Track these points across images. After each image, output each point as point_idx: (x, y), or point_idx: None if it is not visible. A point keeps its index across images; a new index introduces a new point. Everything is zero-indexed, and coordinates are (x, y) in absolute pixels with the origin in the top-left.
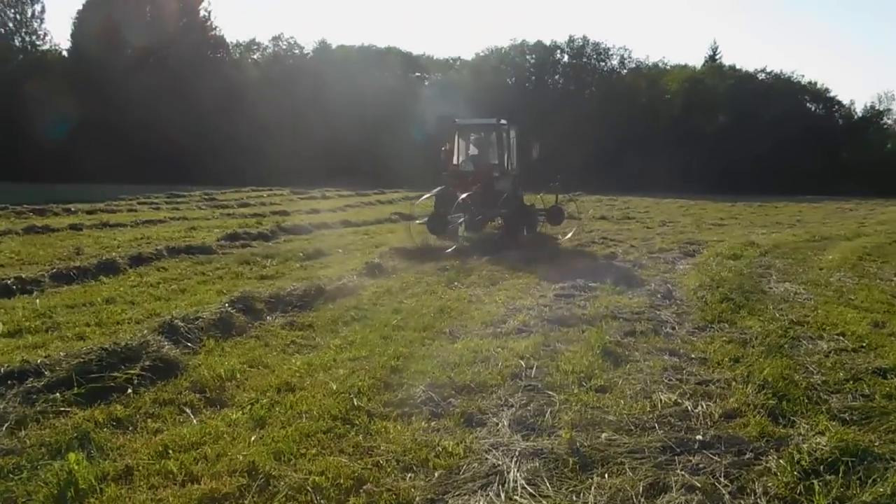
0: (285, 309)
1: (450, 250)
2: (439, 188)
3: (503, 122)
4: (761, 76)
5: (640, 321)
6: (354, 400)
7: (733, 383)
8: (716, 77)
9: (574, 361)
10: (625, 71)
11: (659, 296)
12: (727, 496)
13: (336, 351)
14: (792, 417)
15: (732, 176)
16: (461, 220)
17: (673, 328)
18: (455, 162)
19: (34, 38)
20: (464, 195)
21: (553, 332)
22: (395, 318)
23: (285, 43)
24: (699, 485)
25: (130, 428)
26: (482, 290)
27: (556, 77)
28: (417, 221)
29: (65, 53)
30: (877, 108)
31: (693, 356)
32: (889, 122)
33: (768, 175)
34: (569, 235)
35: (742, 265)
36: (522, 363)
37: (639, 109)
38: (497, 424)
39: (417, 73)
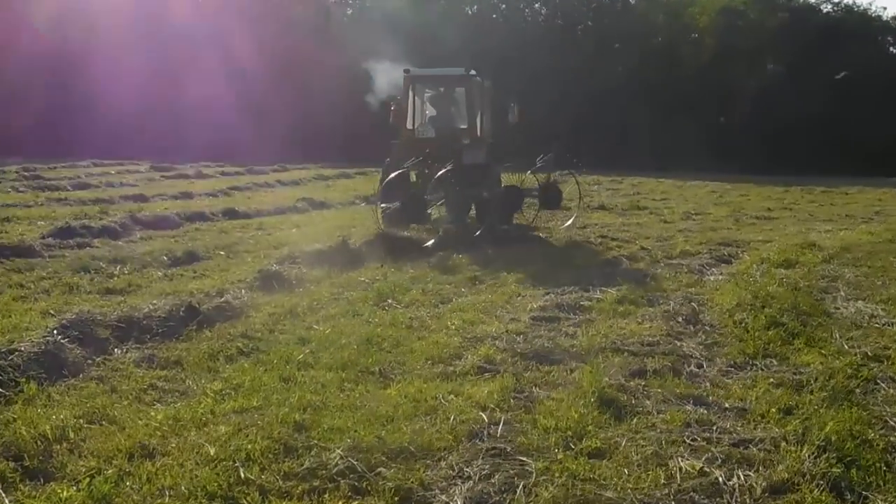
0: (141, 338)
1: (429, 244)
2: (414, 160)
3: (473, 73)
4: (826, 8)
5: (653, 356)
6: (241, 470)
7: (783, 444)
8: (762, 9)
9: (558, 414)
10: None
11: (680, 319)
12: None
13: (215, 399)
14: (863, 492)
15: (785, 148)
16: (440, 202)
17: (699, 366)
18: (409, 126)
19: None
20: (443, 170)
21: (529, 371)
22: (302, 352)
23: None
24: None
25: None
26: (428, 310)
27: (537, 6)
28: (383, 205)
29: None
30: None
31: (727, 406)
32: None
33: (835, 148)
34: (567, 224)
35: (798, 276)
36: (484, 416)
37: (654, 53)
38: None
39: None
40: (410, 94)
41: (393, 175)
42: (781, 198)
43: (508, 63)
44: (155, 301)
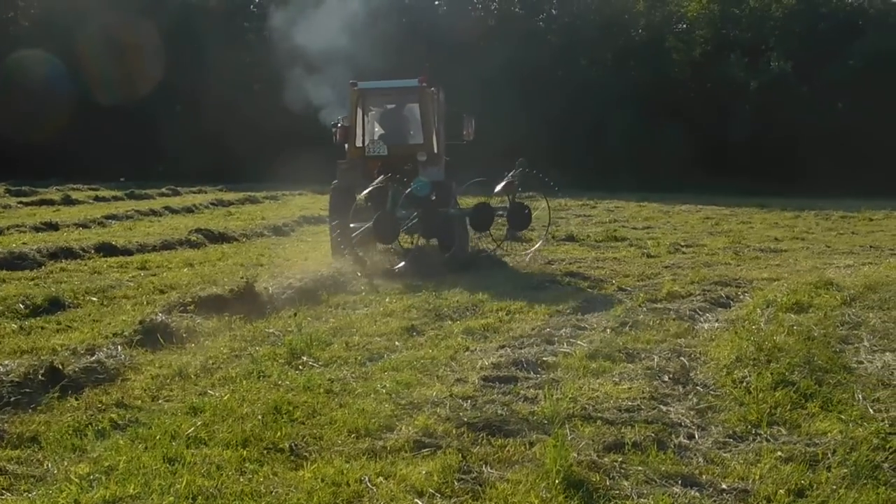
0: None
1: (400, 266)
2: (387, 176)
3: (425, 83)
4: None
5: (633, 425)
6: None
7: None
8: None
9: (514, 500)
10: None
11: (666, 378)
12: None
13: (80, 487)
14: None
15: (795, 164)
16: (412, 219)
17: (690, 436)
18: (359, 144)
19: None
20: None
21: (478, 445)
22: (192, 425)
23: None
24: None
25: None
26: (352, 369)
27: None
28: (353, 224)
29: None
30: None
31: (724, 487)
32: None
33: (856, 163)
34: (535, 248)
35: (812, 322)
36: None
37: (633, 49)
38: None
39: None
40: (357, 109)
41: (364, 193)
42: (791, 225)
43: (454, 63)
44: (7, 361)
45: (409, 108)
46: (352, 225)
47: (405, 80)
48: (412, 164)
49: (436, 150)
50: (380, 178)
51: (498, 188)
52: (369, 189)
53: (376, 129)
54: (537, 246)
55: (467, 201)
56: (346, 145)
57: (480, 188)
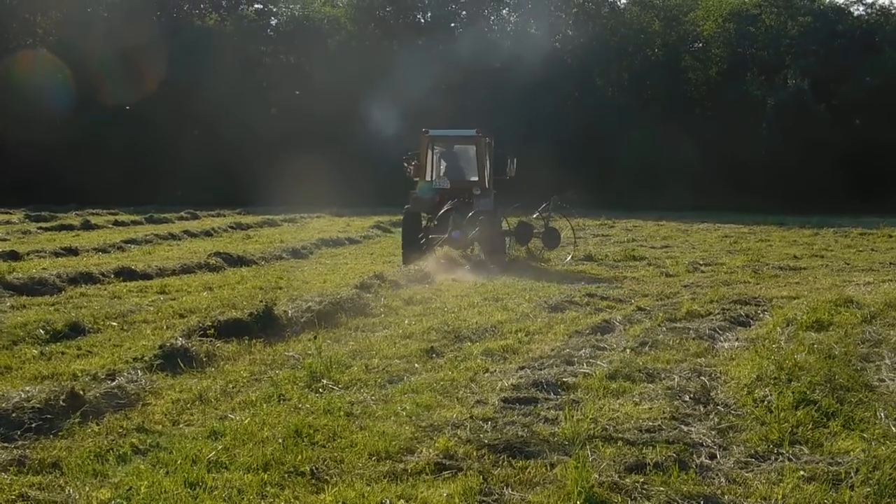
0: (10, 435)
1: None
2: (454, 202)
3: (480, 133)
4: (858, 11)
5: (655, 445)
6: None
7: None
8: (779, 12)
9: None
10: (623, 1)
11: (687, 398)
12: None
13: None
14: None
15: (813, 181)
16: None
17: (712, 456)
18: (428, 178)
19: None
20: (472, 212)
21: (499, 467)
22: (213, 449)
23: None
24: None
25: None
26: (372, 392)
27: (504, 12)
28: (432, 236)
29: None
30: None
31: None
32: None
33: (875, 180)
34: (568, 259)
35: (832, 341)
36: None
37: (650, 68)
38: None
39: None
40: (429, 151)
41: (442, 211)
42: (810, 243)
43: (470, 84)
44: (28, 387)
45: (465, 150)
46: (433, 236)
47: (465, 130)
48: (469, 196)
49: (487, 186)
50: (448, 204)
51: (533, 216)
52: (440, 213)
53: (441, 167)
54: (569, 258)
55: (510, 221)
56: (417, 178)
57: (511, 210)
